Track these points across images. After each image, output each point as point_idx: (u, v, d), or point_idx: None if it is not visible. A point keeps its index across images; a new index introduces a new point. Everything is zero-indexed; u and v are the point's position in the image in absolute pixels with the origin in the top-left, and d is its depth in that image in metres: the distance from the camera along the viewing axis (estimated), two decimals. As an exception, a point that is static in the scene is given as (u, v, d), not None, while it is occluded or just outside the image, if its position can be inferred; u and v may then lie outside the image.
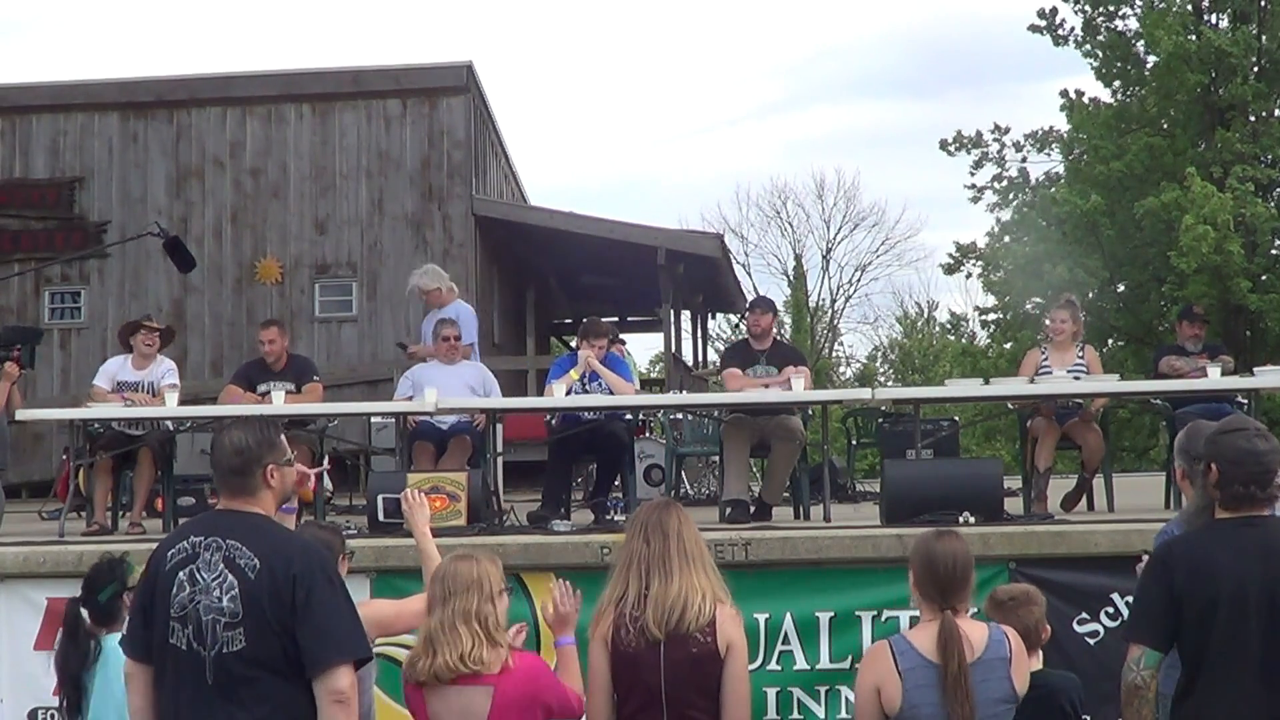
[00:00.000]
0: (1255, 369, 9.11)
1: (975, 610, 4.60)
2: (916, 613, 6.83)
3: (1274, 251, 24.59)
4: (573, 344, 13.58)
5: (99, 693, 5.04)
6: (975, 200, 27.38)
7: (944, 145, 27.04)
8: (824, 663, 7.07)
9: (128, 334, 9.83)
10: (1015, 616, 4.86)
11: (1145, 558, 4.41)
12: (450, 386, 9.17)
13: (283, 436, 4.21)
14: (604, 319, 10.67)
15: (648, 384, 17.47)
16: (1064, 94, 25.97)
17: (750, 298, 27.76)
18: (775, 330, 9.62)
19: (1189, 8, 24.89)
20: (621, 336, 15.71)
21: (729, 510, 8.67)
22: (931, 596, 4.40)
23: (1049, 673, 4.97)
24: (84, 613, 5.16)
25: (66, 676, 5.12)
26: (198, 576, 3.93)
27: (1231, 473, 4.02)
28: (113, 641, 4.86)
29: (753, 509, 8.79)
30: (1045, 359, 9.14)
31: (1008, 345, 26.70)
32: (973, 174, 27.14)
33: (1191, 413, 8.35)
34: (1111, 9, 25.54)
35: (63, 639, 5.19)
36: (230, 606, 3.88)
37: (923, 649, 4.32)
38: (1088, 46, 25.64)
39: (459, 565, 4.50)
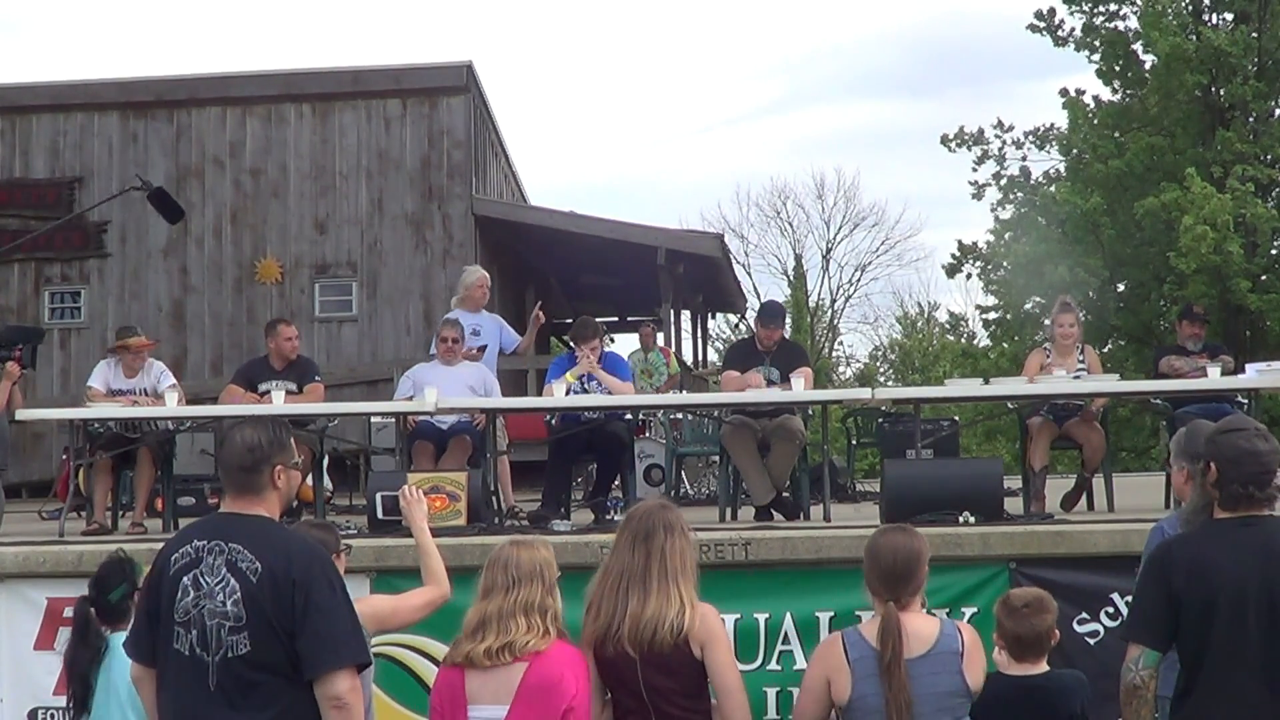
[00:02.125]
0: (1247, 365, 9.10)
1: (968, 611, 4.61)
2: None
3: (1274, 251, 24.59)
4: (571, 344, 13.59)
5: (102, 690, 5.06)
6: (977, 197, 27.43)
7: (945, 140, 27.07)
8: (824, 662, 7.06)
9: (116, 346, 9.74)
10: (1028, 623, 4.87)
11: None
12: (450, 386, 9.17)
13: (292, 440, 4.22)
14: (603, 319, 10.62)
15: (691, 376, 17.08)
16: (1063, 92, 26.00)
17: (754, 300, 27.96)
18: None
19: (1188, 8, 24.90)
20: (662, 343, 15.83)
21: (761, 514, 8.71)
22: (877, 590, 4.52)
23: (1055, 673, 4.98)
24: (93, 612, 5.17)
25: (75, 674, 5.12)
26: (201, 581, 3.92)
27: (1231, 472, 4.01)
28: (118, 640, 4.87)
29: (781, 504, 8.81)
30: (1050, 360, 9.14)
31: (1006, 345, 26.71)
32: (975, 169, 27.20)
33: (1192, 413, 8.35)
34: (1111, 8, 25.56)
35: (72, 638, 5.19)
36: (234, 610, 3.87)
37: (871, 639, 4.43)
38: (1088, 48, 25.66)
39: (520, 553, 4.53)
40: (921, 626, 4.46)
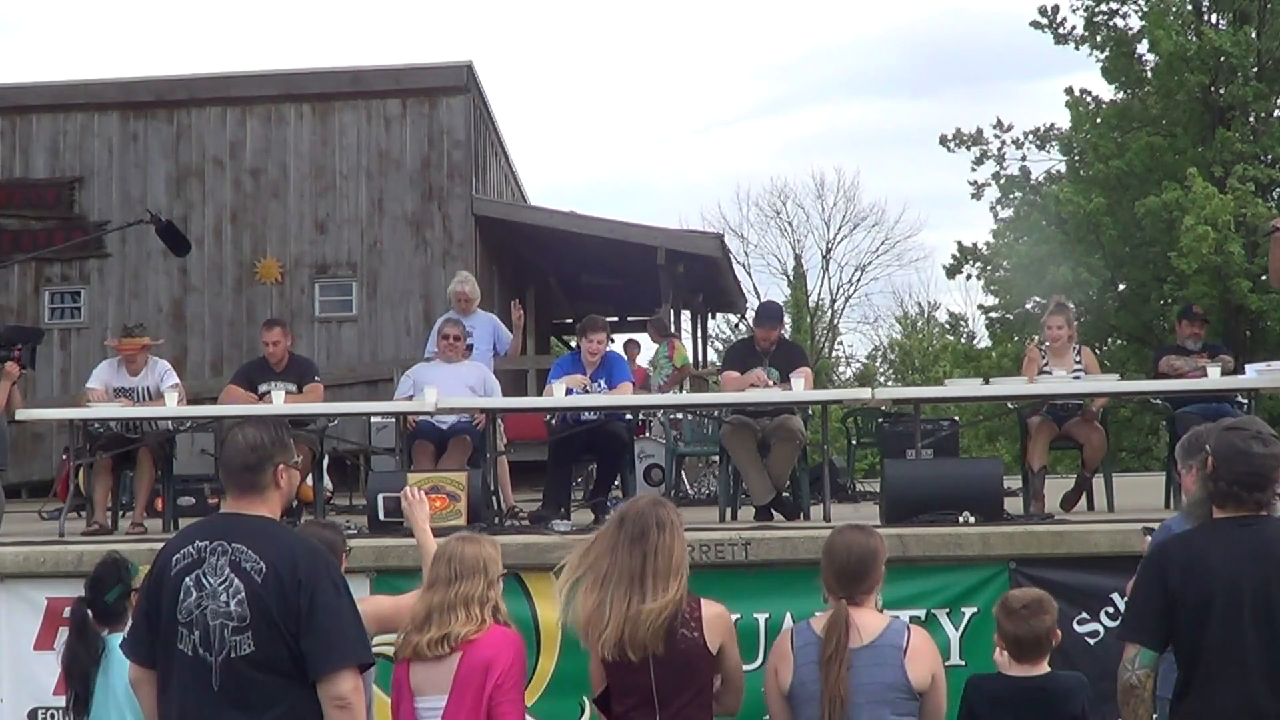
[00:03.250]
0: (1247, 365, 9.10)
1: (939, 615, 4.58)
2: (916, 612, 6.90)
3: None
4: (573, 343, 13.57)
5: (99, 691, 5.05)
6: (976, 196, 27.48)
7: (944, 141, 27.14)
8: (824, 663, 7.05)
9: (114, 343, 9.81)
10: (1027, 625, 4.87)
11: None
12: (450, 386, 9.17)
13: (291, 440, 4.23)
14: (605, 319, 10.61)
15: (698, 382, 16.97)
16: (1069, 91, 26.05)
17: (754, 300, 27.93)
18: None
19: (1189, 7, 24.93)
20: (673, 334, 15.78)
21: (761, 514, 8.72)
22: (832, 587, 4.56)
23: (1056, 674, 4.98)
24: (89, 613, 5.16)
25: (75, 675, 5.12)
26: (204, 581, 3.92)
27: (1222, 469, 4.03)
28: (115, 641, 4.87)
29: (781, 504, 8.81)
30: (1045, 362, 9.15)
31: (1008, 345, 26.71)
32: (975, 169, 27.24)
33: (1191, 413, 8.36)
34: (1113, 6, 25.60)
35: (71, 638, 5.19)
36: (238, 610, 3.87)
37: (818, 630, 4.49)
38: (1090, 45, 25.68)
39: (465, 548, 4.64)
40: (870, 621, 4.51)
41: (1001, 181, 27.10)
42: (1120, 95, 26.22)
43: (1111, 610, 6.94)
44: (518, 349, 11.29)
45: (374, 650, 4.73)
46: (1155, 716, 4.11)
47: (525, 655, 4.62)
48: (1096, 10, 25.60)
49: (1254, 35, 24.05)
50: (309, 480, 9.66)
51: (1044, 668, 4.91)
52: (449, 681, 4.46)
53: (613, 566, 4.51)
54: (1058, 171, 26.98)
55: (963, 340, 35.63)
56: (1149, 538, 5.52)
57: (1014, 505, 8.59)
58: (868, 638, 4.43)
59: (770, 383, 8.88)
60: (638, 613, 4.41)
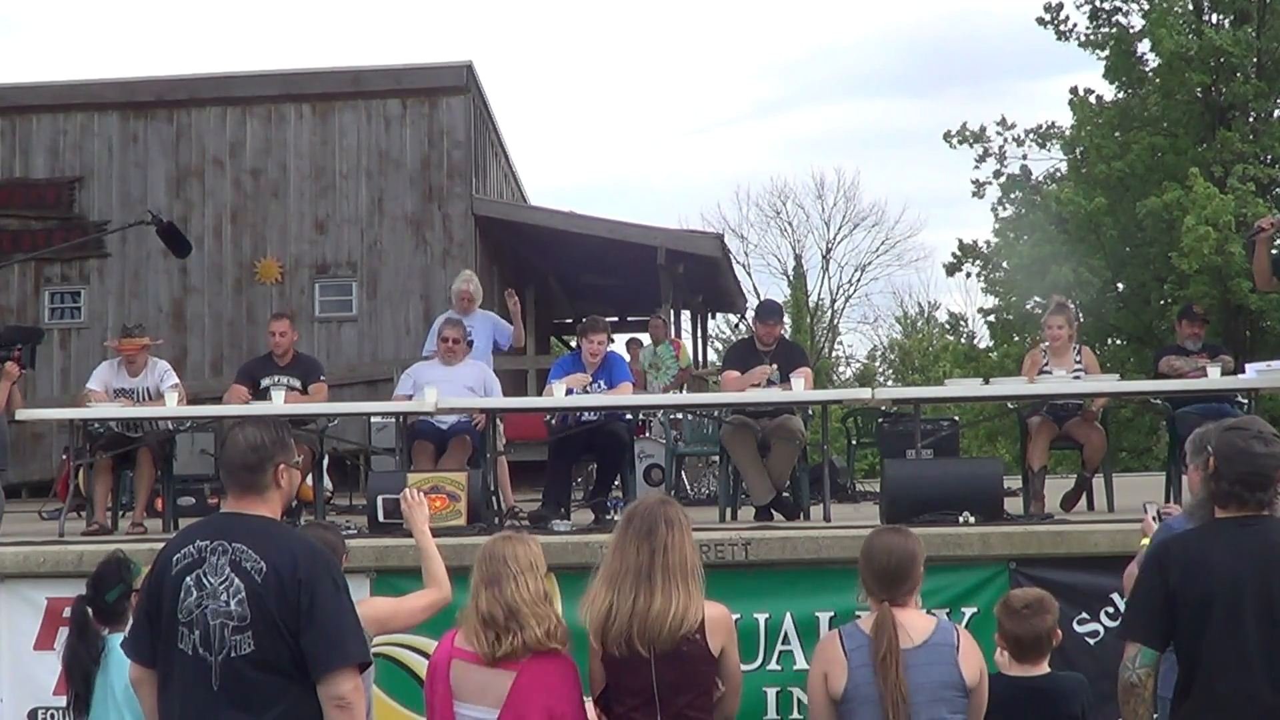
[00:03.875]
0: (1247, 365, 9.11)
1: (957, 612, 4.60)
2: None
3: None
4: (573, 343, 13.56)
5: (99, 690, 5.05)
6: (977, 195, 27.52)
7: (947, 137, 27.22)
8: (824, 663, 7.05)
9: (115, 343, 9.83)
10: (1028, 624, 4.88)
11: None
12: (450, 387, 9.17)
13: (291, 439, 4.22)
14: (605, 319, 10.60)
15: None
16: (1073, 91, 26.09)
17: (754, 300, 27.95)
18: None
19: (1189, 7, 24.95)
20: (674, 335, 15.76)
21: (761, 514, 8.73)
22: (872, 590, 4.57)
23: (1056, 675, 4.98)
24: (90, 612, 5.16)
25: (76, 674, 5.12)
26: (204, 581, 3.92)
27: (1223, 469, 4.03)
28: (115, 641, 4.87)
29: (781, 504, 8.81)
30: (1046, 362, 9.16)
31: (1007, 345, 26.71)
32: (976, 167, 27.28)
33: (1191, 413, 8.36)
34: (1116, 4, 25.63)
35: (71, 638, 5.19)
36: (238, 610, 3.87)
37: (868, 631, 4.49)
38: (1092, 45, 25.70)
39: (516, 547, 4.59)
40: (917, 621, 4.52)
41: (1002, 181, 27.15)
42: (1121, 95, 26.26)
43: (1111, 610, 6.95)
44: (520, 336, 11.26)
45: (373, 650, 4.74)
46: (1155, 716, 4.11)
47: (579, 678, 4.53)
48: (1099, 8, 25.64)
49: (1254, 35, 24.06)
50: (309, 480, 9.66)
51: (1044, 668, 4.91)
52: (499, 696, 4.37)
53: (622, 564, 4.52)
54: (1058, 171, 27.00)
55: (963, 340, 35.63)
56: (1149, 513, 5.54)
57: (1014, 505, 8.59)
58: (919, 638, 4.44)
59: (769, 381, 8.88)
60: (647, 608, 4.42)
